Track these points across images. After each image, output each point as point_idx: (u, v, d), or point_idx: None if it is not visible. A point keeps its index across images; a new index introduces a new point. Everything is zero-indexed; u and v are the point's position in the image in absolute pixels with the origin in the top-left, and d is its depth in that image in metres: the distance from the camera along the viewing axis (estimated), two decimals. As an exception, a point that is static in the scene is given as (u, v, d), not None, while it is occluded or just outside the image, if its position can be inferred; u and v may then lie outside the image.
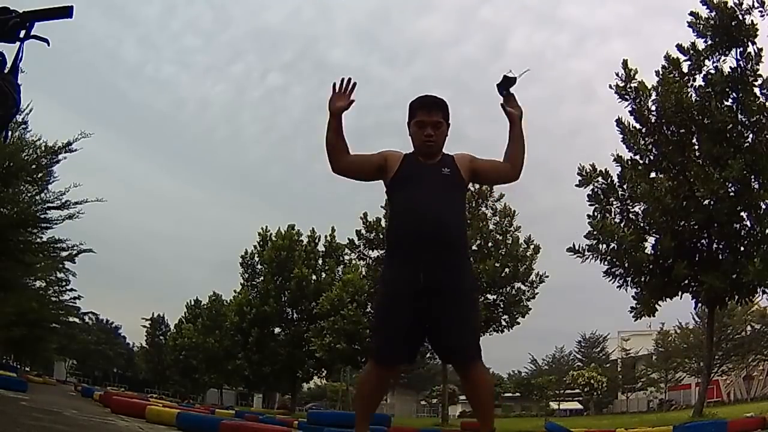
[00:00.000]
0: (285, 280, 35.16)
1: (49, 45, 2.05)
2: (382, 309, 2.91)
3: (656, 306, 13.51)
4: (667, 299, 13.51)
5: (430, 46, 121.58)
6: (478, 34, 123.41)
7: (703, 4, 12.45)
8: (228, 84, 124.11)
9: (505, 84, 3.06)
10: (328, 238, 35.75)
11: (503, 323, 22.13)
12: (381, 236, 22.53)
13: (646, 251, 13.29)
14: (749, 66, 12.14)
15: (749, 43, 12.08)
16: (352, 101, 2.91)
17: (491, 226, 22.75)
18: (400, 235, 2.83)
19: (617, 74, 13.22)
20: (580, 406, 46.64)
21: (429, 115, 2.92)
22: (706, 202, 12.49)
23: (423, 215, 2.72)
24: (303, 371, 35.86)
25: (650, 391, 43.89)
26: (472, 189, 23.12)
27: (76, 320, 40.58)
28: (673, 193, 12.73)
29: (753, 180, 12.07)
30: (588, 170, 13.71)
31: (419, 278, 2.67)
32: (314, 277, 35.12)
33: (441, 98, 3.01)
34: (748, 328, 34.15)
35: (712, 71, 12.61)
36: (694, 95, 12.68)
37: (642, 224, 13.55)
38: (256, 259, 37.49)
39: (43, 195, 15.95)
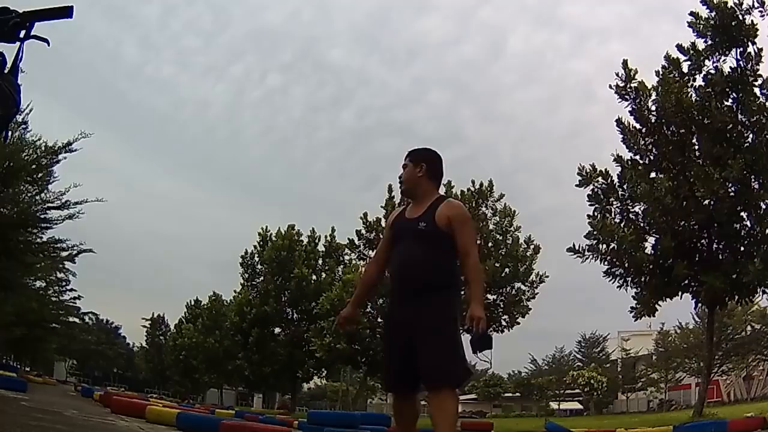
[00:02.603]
0: (285, 280, 35.16)
1: (49, 45, 2.05)
2: (383, 342, 3.52)
3: (656, 306, 13.52)
4: (667, 299, 13.52)
5: (430, 47, 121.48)
6: (478, 34, 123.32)
7: (703, 4, 12.46)
8: (228, 84, 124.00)
9: (483, 345, 3.05)
10: (328, 238, 35.75)
11: (503, 323, 22.15)
12: (381, 236, 22.54)
13: (646, 251, 13.29)
14: (749, 66, 12.14)
15: (749, 43, 12.09)
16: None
17: (491, 226, 22.77)
18: (389, 283, 3.31)
19: (617, 74, 13.23)
20: (580, 406, 46.62)
21: (403, 163, 3.39)
22: (706, 202, 12.50)
23: (397, 266, 3.21)
24: (303, 371, 35.87)
25: (650, 391, 43.87)
26: (473, 189, 23.20)
27: (76, 320, 40.48)
28: (673, 193, 12.73)
29: (753, 180, 12.08)
30: (588, 170, 13.71)
31: (397, 314, 3.19)
32: (314, 277, 35.12)
33: (419, 148, 3.42)
34: (748, 328, 34.13)
35: (712, 71, 12.61)
36: (694, 95, 12.68)
37: (642, 224, 13.55)
38: (256, 259, 37.48)
39: (43, 195, 15.96)
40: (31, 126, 15.14)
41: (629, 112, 13.32)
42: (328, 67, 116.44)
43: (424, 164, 3.29)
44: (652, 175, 13.43)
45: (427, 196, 3.24)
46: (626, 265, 13.22)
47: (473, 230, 3.36)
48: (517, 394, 52.60)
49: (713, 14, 12.36)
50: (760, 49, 12.04)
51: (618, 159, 13.67)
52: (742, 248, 12.51)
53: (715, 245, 13.00)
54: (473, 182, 23.45)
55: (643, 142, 13.39)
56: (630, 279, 13.43)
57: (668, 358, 39.11)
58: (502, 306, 22.11)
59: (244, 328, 35.09)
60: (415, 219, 3.19)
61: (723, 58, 12.51)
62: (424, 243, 3.11)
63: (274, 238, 36.83)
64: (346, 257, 30.62)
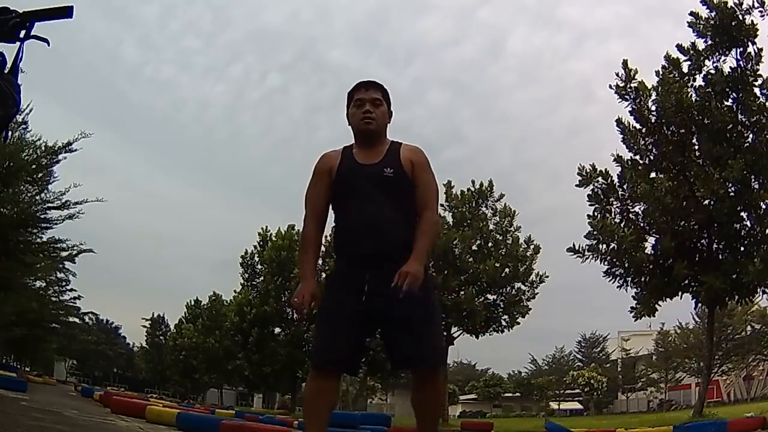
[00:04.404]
0: (285, 280, 35.11)
1: (49, 45, 2.05)
2: (324, 313, 2.70)
3: (656, 306, 13.52)
4: (667, 299, 13.52)
5: (429, 47, 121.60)
6: (477, 34, 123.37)
7: (703, 4, 12.46)
8: (228, 85, 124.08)
9: None
10: (328, 239, 35.61)
11: (503, 323, 22.13)
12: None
13: (646, 251, 13.30)
14: (749, 66, 12.14)
15: (749, 43, 12.09)
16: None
17: (491, 226, 22.76)
18: (342, 251, 2.76)
19: (617, 74, 13.24)
20: (580, 406, 46.64)
21: (366, 92, 2.81)
22: (706, 202, 12.50)
23: (361, 226, 2.62)
24: (303, 371, 35.78)
25: (650, 391, 43.88)
26: (473, 189, 23.18)
27: (76, 320, 40.45)
28: (673, 193, 12.73)
29: (753, 180, 12.08)
30: (588, 170, 13.72)
31: (363, 283, 2.57)
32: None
33: (383, 85, 2.89)
34: (748, 328, 34.14)
35: (712, 71, 12.61)
36: (694, 95, 12.68)
37: (642, 224, 13.56)
38: (256, 259, 37.46)
39: (43, 195, 15.96)
40: (31, 126, 15.17)
41: (629, 112, 13.33)
42: (328, 67, 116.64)
43: (392, 110, 2.86)
44: (652, 175, 13.44)
45: (383, 142, 2.78)
46: (626, 265, 13.22)
47: (435, 180, 2.82)
48: (517, 394, 52.62)
49: (713, 14, 12.36)
50: (760, 49, 12.05)
51: (618, 159, 13.68)
52: (742, 248, 12.51)
53: (715, 245, 13.00)
54: (473, 182, 23.47)
55: (643, 142, 13.39)
56: (630, 279, 13.44)
57: (668, 358, 39.11)
58: (502, 306, 22.10)
59: (244, 328, 35.06)
60: (376, 164, 2.67)
61: (723, 58, 12.51)
62: (392, 194, 2.63)
63: (274, 238, 36.81)
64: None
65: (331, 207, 2.81)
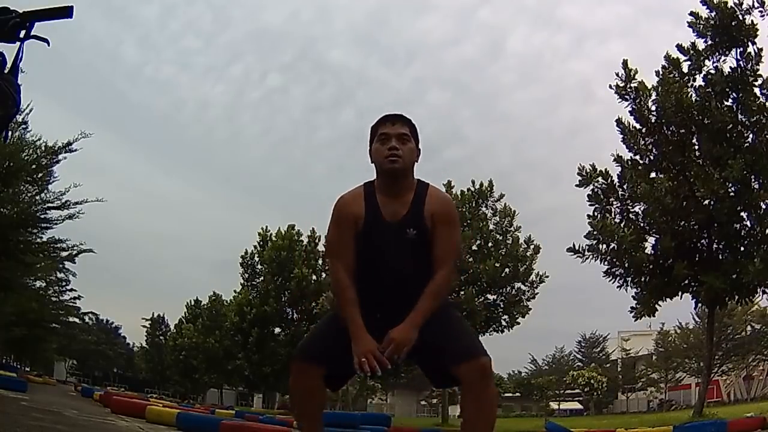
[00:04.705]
0: (285, 280, 35.17)
1: (49, 45, 2.05)
2: (325, 325, 2.58)
3: (656, 306, 13.52)
4: (667, 299, 13.52)
5: (429, 47, 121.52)
6: (477, 34, 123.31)
7: (703, 4, 12.47)
8: (228, 85, 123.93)
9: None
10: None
11: (503, 323, 22.14)
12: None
13: (646, 251, 13.30)
14: (749, 66, 12.15)
15: (749, 43, 12.10)
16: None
17: (491, 226, 22.77)
18: (361, 300, 2.48)
19: (617, 74, 13.24)
20: (580, 406, 46.65)
21: (393, 127, 2.52)
22: (706, 202, 12.51)
23: (384, 280, 2.45)
24: (303, 371, 35.87)
25: (650, 391, 43.91)
26: (473, 189, 23.20)
27: (76, 320, 40.45)
28: (673, 193, 12.74)
29: (753, 180, 12.09)
30: (588, 170, 13.72)
31: (375, 324, 2.39)
32: (314, 277, 35.12)
33: (413, 122, 2.62)
34: (748, 328, 34.16)
35: (712, 71, 12.61)
36: (694, 95, 12.69)
37: (642, 224, 13.56)
38: (256, 259, 37.50)
39: (43, 195, 15.96)
40: (31, 126, 15.16)
41: (629, 112, 13.33)
42: (328, 68, 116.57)
43: (419, 148, 2.61)
44: (652, 175, 13.45)
45: (409, 185, 2.53)
46: (626, 265, 13.22)
47: (458, 235, 2.62)
48: (517, 394, 52.61)
49: (713, 14, 12.37)
50: (760, 49, 12.05)
51: (618, 159, 13.68)
52: (742, 248, 12.52)
53: (715, 245, 13.00)
54: (473, 182, 23.48)
55: (643, 142, 13.39)
56: (630, 279, 13.44)
57: (668, 358, 39.13)
58: (502, 306, 22.10)
59: (244, 328, 35.09)
60: (399, 222, 2.46)
61: (723, 58, 12.52)
62: (415, 255, 2.45)
63: (274, 238, 36.84)
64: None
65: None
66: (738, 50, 12.24)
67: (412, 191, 2.51)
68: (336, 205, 2.58)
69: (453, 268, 2.54)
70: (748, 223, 12.46)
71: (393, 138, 2.49)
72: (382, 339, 2.35)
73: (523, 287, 22.35)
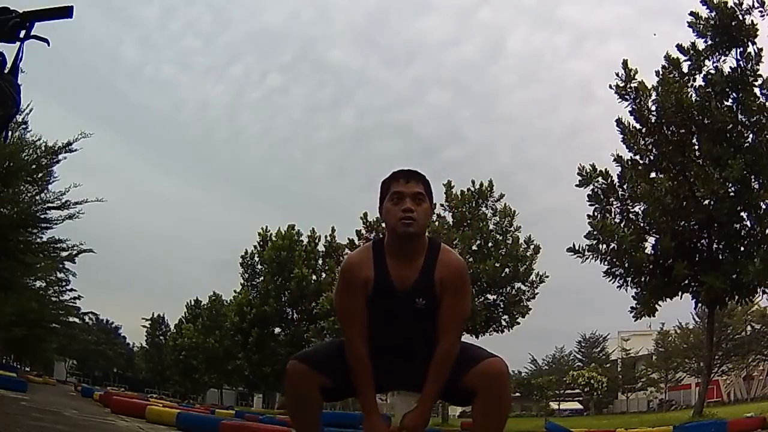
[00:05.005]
0: (285, 280, 35.17)
1: (49, 45, 2.05)
2: (332, 341, 2.58)
3: (656, 306, 13.53)
4: (667, 299, 13.52)
5: (429, 47, 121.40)
6: (477, 35, 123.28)
7: (703, 4, 12.47)
8: (227, 85, 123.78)
9: None
10: (328, 238, 35.67)
11: (503, 323, 22.11)
12: (381, 236, 22.56)
13: (646, 251, 13.31)
14: (749, 66, 12.16)
15: (749, 43, 12.10)
16: None
17: (491, 226, 22.75)
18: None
19: (617, 74, 13.25)
20: (580, 406, 46.63)
21: (407, 185, 2.37)
22: (706, 202, 12.51)
23: (391, 361, 2.39)
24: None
25: (650, 391, 43.90)
26: (473, 189, 23.19)
27: (76, 320, 40.55)
28: (673, 193, 12.74)
29: (753, 180, 12.09)
30: (588, 170, 13.73)
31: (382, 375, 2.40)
32: (314, 277, 35.12)
33: (427, 179, 2.49)
34: (748, 328, 34.17)
35: (712, 71, 12.62)
36: (694, 95, 12.70)
37: (642, 224, 13.57)
38: (256, 259, 37.50)
39: (43, 195, 15.99)
40: (31, 126, 15.21)
41: (629, 112, 13.34)
42: (328, 68, 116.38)
43: (433, 204, 2.50)
44: (652, 175, 13.45)
45: (421, 248, 2.41)
46: (626, 265, 13.23)
47: (468, 302, 2.49)
48: (517, 394, 52.52)
49: (713, 14, 12.37)
50: (760, 49, 12.06)
51: (618, 159, 13.69)
52: (742, 248, 12.52)
53: (715, 245, 13.01)
54: (473, 182, 23.46)
55: (643, 142, 13.40)
56: (630, 279, 13.44)
57: (668, 358, 39.14)
58: (502, 306, 22.10)
59: (244, 328, 35.09)
60: (409, 291, 2.35)
61: (723, 58, 12.53)
62: (425, 324, 2.36)
63: (274, 238, 36.84)
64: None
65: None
66: (738, 50, 12.25)
67: (423, 255, 2.39)
68: (343, 269, 2.49)
69: (459, 334, 2.42)
70: (748, 223, 12.47)
71: (407, 198, 2.34)
72: (386, 381, 2.41)
73: (523, 287, 22.34)
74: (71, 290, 29.98)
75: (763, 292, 12.54)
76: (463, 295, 2.40)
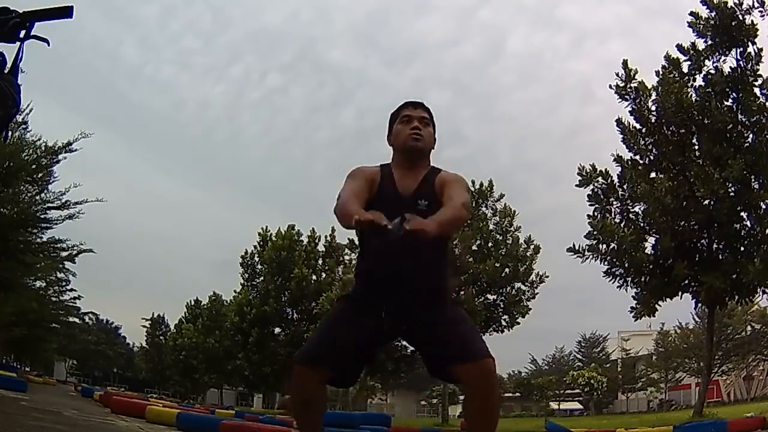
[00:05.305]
0: (285, 280, 35.14)
1: (49, 45, 2.05)
2: (330, 324, 2.54)
3: (656, 306, 13.53)
4: (667, 299, 13.53)
5: (429, 48, 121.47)
6: (477, 35, 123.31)
7: (703, 4, 12.48)
8: (228, 85, 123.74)
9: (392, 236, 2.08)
10: (328, 238, 35.72)
11: (503, 323, 22.13)
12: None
13: (646, 251, 13.31)
14: (749, 66, 12.16)
15: (749, 43, 12.11)
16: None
17: (491, 226, 22.77)
18: (365, 276, 2.53)
19: (617, 74, 13.25)
20: (580, 406, 46.64)
21: (415, 110, 2.63)
22: (706, 202, 12.51)
23: (388, 264, 2.36)
24: (303, 371, 35.90)
25: (650, 391, 43.89)
26: (473, 189, 23.18)
27: (76, 320, 40.46)
28: (673, 193, 12.74)
29: (753, 180, 12.10)
30: (588, 170, 13.73)
31: (382, 323, 2.39)
32: (314, 277, 35.11)
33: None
34: (748, 328, 34.15)
35: (712, 71, 12.62)
36: (694, 95, 12.70)
37: (642, 224, 13.57)
38: (256, 259, 37.47)
39: (43, 195, 15.96)
40: (31, 126, 15.16)
41: (629, 112, 13.35)
42: (328, 68, 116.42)
43: (436, 137, 2.69)
44: (652, 175, 13.46)
45: (425, 166, 2.60)
46: (626, 265, 13.23)
47: (467, 195, 2.57)
48: (517, 394, 52.58)
49: (713, 14, 12.37)
50: (760, 49, 12.06)
51: (618, 159, 13.69)
52: (742, 248, 12.52)
53: (715, 245, 13.01)
54: (473, 182, 23.43)
55: (643, 142, 13.40)
56: (630, 279, 13.44)
57: (668, 358, 39.13)
58: (502, 306, 22.11)
59: (244, 328, 35.07)
60: (411, 195, 2.47)
61: (723, 58, 12.54)
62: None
63: (274, 238, 36.81)
64: (346, 257, 30.61)
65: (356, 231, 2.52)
66: (738, 50, 12.25)
67: (425, 170, 2.57)
68: (351, 170, 2.61)
69: (466, 205, 2.43)
70: (748, 223, 12.47)
71: (415, 120, 2.59)
72: (385, 344, 2.37)
73: (523, 287, 22.36)
74: (71, 290, 29.96)
75: (763, 292, 12.54)
76: (463, 186, 2.53)
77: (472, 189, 23.22)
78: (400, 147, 2.59)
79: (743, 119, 12.41)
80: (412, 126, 2.57)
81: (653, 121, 13.09)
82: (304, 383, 2.39)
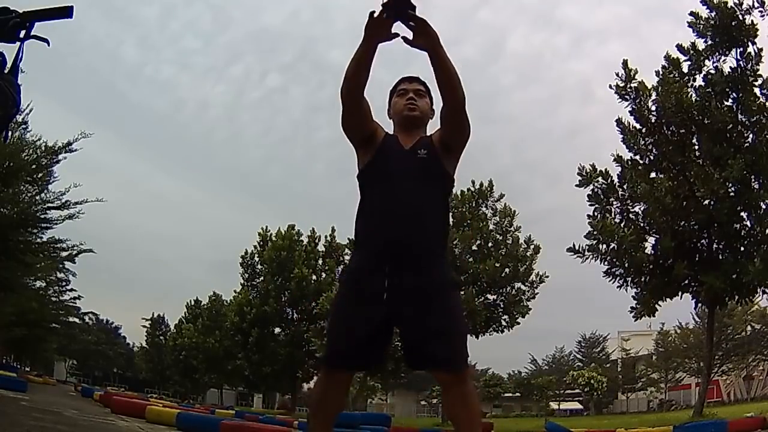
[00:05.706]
0: (285, 280, 35.12)
1: (49, 45, 2.05)
2: (339, 310, 2.61)
3: (656, 306, 13.53)
4: (667, 299, 13.53)
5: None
6: (477, 35, 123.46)
7: (703, 4, 12.47)
8: (228, 85, 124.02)
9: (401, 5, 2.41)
10: (328, 238, 35.72)
11: (503, 323, 22.12)
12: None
13: (646, 251, 13.30)
14: (749, 66, 12.15)
15: (749, 43, 12.10)
16: (396, 35, 2.57)
17: (491, 226, 22.76)
18: (364, 239, 2.59)
19: (617, 74, 13.25)
20: (580, 406, 46.64)
21: (410, 84, 2.81)
22: (706, 202, 12.51)
23: (390, 217, 2.48)
24: (303, 371, 35.85)
25: (650, 391, 43.91)
26: (473, 189, 23.19)
27: (76, 320, 40.40)
28: (673, 193, 12.74)
29: (753, 180, 12.09)
30: (588, 170, 13.73)
31: (383, 281, 2.42)
32: (314, 277, 35.09)
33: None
34: (748, 328, 34.17)
35: (712, 71, 12.62)
36: (694, 95, 12.70)
37: (642, 224, 13.57)
38: (256, 259, 37.44)
39: (43, 195, 15.93)
40: (31, 126, 15.12)
41: (629, 112, 13.34)
42: (328, 68, 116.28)
43: (433, 109, 2.82)
44: (652, 175, 13.45)
45: (423, 132, 2.75)
46: (626, 265, 13.23)
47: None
48: (517, 394, 52.60)
49: (713, 14, 12.37)
50: (760, 49, 12.06)
51: (618, 159, 13.69)
52: (742, 248, 12.52)
53: (715, 245, 13.01)
54: (473, 182, 23.47)
55: (643, 142, 13.40)
56: (630, 279, 13.44)
57: (668, 358, 39.14)
58: (502, 306, 22.10)
59: (244, 328, 35.06)
60: (411, 147, 2.62)
61: (723, 58, 12.53)
62: (425, 179, 2.53)
63: (274, 239, 36.79)
64: (346, 257, 30.62)
65: (359, 187, 2.67)
66: (738, 50, 12.24)
67: (420, 135, 2.73)
68: None
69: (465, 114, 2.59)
70: (748, 223, 12.47)
71: (411, 92, 2.78)
72: (389, 306, 2.39)
73: (523, 287, 22.35)
74: (71, 290, 29.92)
75: (763, 292, 12.54)
76: None
77: (472, 189, 23.25)
78: (397, 117, 2.78)
79: (743, 119, 12.40)
80: (407, 97, 2.76)
81: (653, 121, 13.09)
82: (332, 385, 2.55)
